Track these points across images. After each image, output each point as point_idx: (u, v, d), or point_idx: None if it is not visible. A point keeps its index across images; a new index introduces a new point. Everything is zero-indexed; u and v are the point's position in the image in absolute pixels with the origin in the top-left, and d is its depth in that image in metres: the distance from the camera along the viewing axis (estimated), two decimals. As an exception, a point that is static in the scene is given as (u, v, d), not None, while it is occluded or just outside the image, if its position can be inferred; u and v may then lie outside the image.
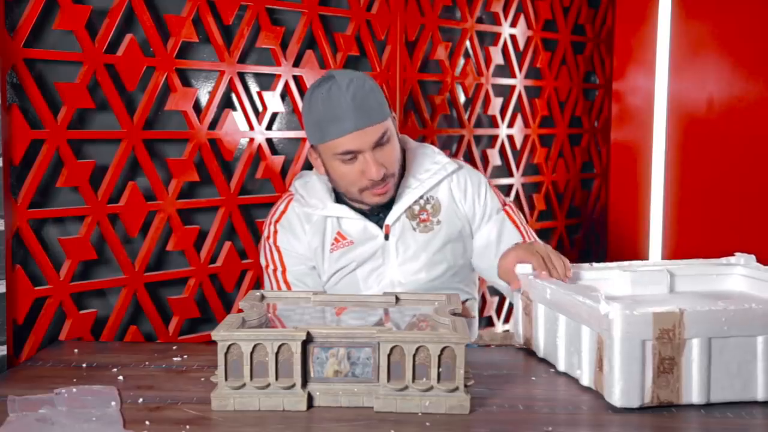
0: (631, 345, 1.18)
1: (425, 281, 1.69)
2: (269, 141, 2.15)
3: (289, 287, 1.69)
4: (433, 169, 1.72)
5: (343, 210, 1.69)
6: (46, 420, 1.13)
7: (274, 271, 1.72)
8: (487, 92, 2.71)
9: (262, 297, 1.43)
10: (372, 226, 1.69)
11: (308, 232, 1.70)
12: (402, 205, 1.69)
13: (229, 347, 1.17)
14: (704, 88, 2.72)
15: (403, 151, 1.71)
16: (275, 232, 1.73)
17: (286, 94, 2.16)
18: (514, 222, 1.76)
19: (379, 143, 1.58)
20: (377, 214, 1.70)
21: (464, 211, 1.74)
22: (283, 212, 1.74)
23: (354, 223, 1.69)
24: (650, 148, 2.94)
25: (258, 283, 2.12)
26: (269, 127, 2.15)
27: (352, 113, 1.54)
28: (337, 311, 1.43)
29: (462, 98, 2.66)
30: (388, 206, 1.69)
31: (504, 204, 1.78)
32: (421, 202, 1.71)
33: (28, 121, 1.67)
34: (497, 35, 2.73)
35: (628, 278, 1.48)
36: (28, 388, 1.31)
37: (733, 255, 1.55)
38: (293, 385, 1.18)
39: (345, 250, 1.69)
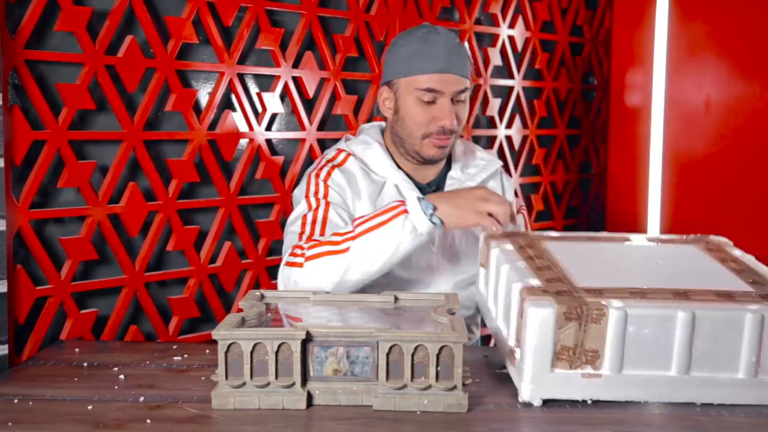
0: None
1: (460, 272, 1.71)
2: (269, 142, 2.16)
3: (326, 219, 1.61)
4: (481, 165, 1.77)
5: (405, 181, 1.67)
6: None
7: (316, 197, 1.65)
8: (485, 93, 2.72)
9: (262, 296, 1.44)
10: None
11: (368, 189, 1.67)
12: None
13: (229, 346, 1.18)
14: (701, 89, 2.73)
15: None
16: (329, 173, 1.67)
17: (285, 95, 2.17)
18: (526, 226, 1.80)
19: (458, 98, 1.62)
20: (431, 189, 1.71)
21: None
22: (342, 162, 1.69)
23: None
24: (648, 148, 2.95)
25: (258, 283, 2.13)
26: (269, 128, 2.16)
27: (446, 56, 1.60)
28: (337, 310, 1.43)
29: (460, 99, 2.67)
30: (437, 189, 1.72)
31: (520, 207, 1.82)
32: None
33: (29, 121, 1.68)
34: (495, 36, 2.74)
35: None
36: (29, 387, 1.32)
37: None
38: (293, 384, 1.19)
39: None
